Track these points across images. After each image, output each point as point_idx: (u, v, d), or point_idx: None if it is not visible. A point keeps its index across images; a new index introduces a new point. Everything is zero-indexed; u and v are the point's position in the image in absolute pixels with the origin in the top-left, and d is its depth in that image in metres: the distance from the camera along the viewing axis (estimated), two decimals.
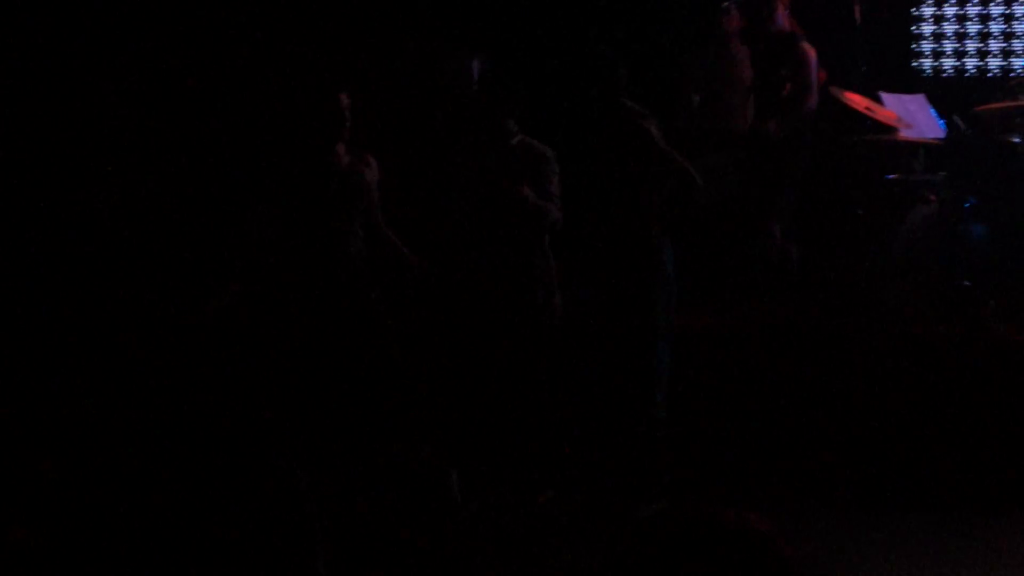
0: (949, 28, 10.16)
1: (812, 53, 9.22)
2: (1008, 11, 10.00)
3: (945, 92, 9.78)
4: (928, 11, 10.21)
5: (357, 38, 9.75)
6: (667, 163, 7.25)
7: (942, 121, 9.06)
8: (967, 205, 8.45)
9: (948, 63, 10.20)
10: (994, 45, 10.06)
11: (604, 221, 7.37)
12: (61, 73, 9.15)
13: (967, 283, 8.31)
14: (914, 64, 10.28)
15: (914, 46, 10.29)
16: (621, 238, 7.32)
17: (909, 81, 10.00)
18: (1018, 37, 9.98)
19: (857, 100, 8.92)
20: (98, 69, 9.15)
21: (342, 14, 9.90)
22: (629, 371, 7.31)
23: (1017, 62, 9.97)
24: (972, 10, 10.09)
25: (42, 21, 9.28)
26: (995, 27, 10.04)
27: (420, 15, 10.09)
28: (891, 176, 9.06)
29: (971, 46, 10.12)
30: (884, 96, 9.16)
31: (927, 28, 10.23)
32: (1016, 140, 8.36)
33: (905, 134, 8.91)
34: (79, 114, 9.07)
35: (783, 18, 9.33)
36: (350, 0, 10.00)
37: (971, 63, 10.14)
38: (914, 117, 9.05)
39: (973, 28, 10.10)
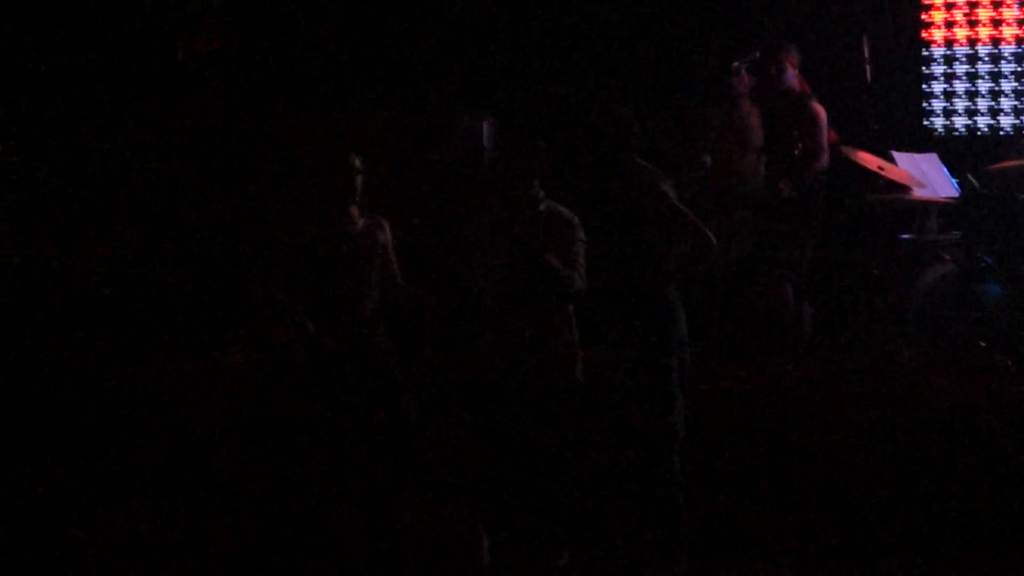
0: (960, 87, 10.15)
1: (822, 113, 9.24)
2: (1019, 69, 9.99)
3: (957, 151, 9.76)
4: (938, 70, 10.21)
5: (368, 102, 9.80)
6: (681, 223, 7.20)
7: (955, 180, 9.04)
8: (982, 264, 8.43)
9: (960, 122, 10.19)
10: (1006, 103, 10.04)
11: (618, 282, 7.33)
12: (80, 133, 9.25)
13: (983, 343, 8.28)
14: (925, 123, 10.27)
15: (925, 105, 10.28)
16: (635, 299, 7.27)
17: (920, 140, 9.99)
18: None
19: (869, 159, 8.91)
20: (113, 135, 9.23)
21: (355, 78, 9.96)
22: (645, 433, 7.25)
23: None
24: (983, 68, 10.09)
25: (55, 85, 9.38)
26: (1006, 85, 10.03)
27: (431, 78, 10.13)
28: (905, 235, 9.04)
29: (982, 104, 10.11)
30: (896, 155, 9.16)
31: (938, 87, 10.22)
32: None
33: (919, 193, 8.89)
34: (96, 178, 9.14)
35: (793, 78, 9.36)
36: (364, 64, 10.06)
37: (983, 121, 10.13)
38: (927, 176, 9.03)
39: (984, 86, 10.09)
